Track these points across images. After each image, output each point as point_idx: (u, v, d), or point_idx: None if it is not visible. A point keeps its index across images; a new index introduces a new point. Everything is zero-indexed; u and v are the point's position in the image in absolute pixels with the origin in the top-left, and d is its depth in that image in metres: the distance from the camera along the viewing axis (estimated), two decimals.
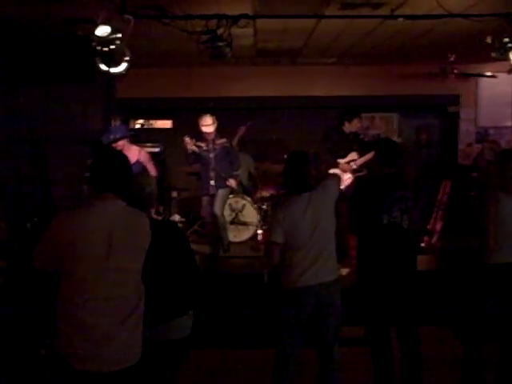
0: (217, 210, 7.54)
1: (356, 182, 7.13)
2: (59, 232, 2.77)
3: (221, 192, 7.55)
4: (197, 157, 7.53)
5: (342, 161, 7.25)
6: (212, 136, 7.44)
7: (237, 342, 5.59)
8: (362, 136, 7.96)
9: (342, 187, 6.93)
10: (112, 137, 6.74)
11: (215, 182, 7.49)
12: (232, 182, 7.61)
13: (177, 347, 3.48)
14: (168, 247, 3.46)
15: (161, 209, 8.26)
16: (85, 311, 2.72)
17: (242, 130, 9.09)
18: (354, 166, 7.30)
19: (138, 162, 6.68)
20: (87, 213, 2.86)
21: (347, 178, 7.18)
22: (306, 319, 4.02)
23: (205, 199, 7.69)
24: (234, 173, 7.66)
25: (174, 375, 3.61)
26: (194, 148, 7.41)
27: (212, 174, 7.47)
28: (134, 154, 6.69)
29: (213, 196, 7.54)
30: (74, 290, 2.75)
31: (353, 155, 7.32)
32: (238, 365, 5.20)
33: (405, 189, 4.33)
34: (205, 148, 7.46)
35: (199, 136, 7.49)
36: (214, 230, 7.69)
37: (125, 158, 3.03)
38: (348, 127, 7.33)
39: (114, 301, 2.77)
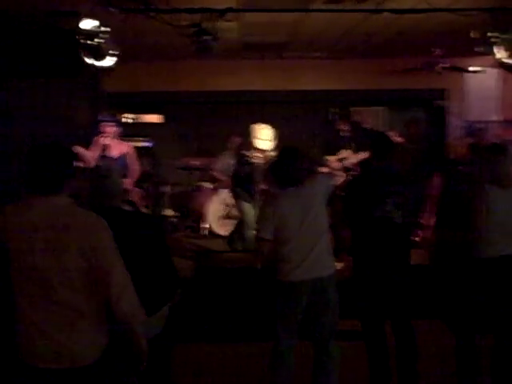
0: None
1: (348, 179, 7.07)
2: None
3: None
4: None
5: (332, 158, 7.19)
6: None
7: (232, 335, 5.59)
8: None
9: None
10: (100, 117, 6.91)
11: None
12: None
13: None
14: (135, 240, 3.27)
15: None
16: (25, 308, 2.71)
17: (237, 141, 8.78)
18: (346, 164, 7.18)
19: (124, 154, 6.75)
20: (16, 213, 2.76)
21: (339, 177, 7.11)
22: (301, 313, 4.03)
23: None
24: None
25: (160, 372, 3.55)
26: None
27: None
28: (120, 147, 6.77)
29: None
30: (14, 287, 2.74)
31: (344, 153, 7.23)
32: (234, 358, 5.19)
33: (399, 183, 4.33)
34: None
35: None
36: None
37: (54, 154, 2.80)
38: (342, 127, 7.27)
39: (45, 302, 2.69)
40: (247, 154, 6.94)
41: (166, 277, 3.46)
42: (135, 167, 6.72)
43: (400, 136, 6.92)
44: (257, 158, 6.87)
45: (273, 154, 6.71)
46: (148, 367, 3.20)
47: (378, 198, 4.23)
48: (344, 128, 7.25)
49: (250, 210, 7.14)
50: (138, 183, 6.72)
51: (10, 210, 2.78)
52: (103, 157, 6.66)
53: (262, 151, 6.84)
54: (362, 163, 6.77)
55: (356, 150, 7.04)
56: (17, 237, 2.69)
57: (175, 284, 3.56)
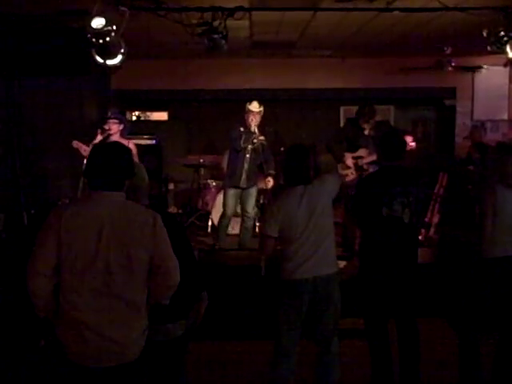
0: (250, 208, 7.32)
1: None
2: (58, 230, 2.74)
3: (252, 191, 7.30)
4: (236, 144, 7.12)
5: (349, 155, 7.12)
6: (257, 124, 6.99)
7: (235, 333, 5.60)
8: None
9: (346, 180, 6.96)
10: (109, 114, 6.98)
11: (247, 177, 7.18)
12: (269, 182, 7.28)
13: (163, 348, 3.38)
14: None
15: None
16: (74, 307, 2.73)
17: None
18: (360, 163, 7.10)
19: None
20: (79, 209, 2.83)
21: (350, 174, 7.06)
22: (304, 311, 4.03)
23: (231, 192, 7.31)
24: (271, 171, 7.31)
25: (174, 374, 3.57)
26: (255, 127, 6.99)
27: (246, 167, 7.13)
28: (125, 143, 6.68)
29: (240, 189, 7.25)
30: (65, 285, 2.75)
31: (361, 152, 7.13)
32: (236, 357, 5.21)
33: (410, 183, 4.30)
34: (251, 137, 7.02)
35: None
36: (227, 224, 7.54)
37: (120, 153, 2.97)
38: (365, 126, 7.12)
39: (102, 298, 2.75)
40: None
41: (194, 275, 3.50)
42: None
43: (413, 141, 6.84)
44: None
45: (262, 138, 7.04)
46: (170, 364, 3.40)
47: (386, 197, 4.21)
48: (367, 126, 7.11)
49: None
50: None
51: (76, 206, 2.89)
52: None
53: (254, 117, 6.96)
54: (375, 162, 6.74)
55: (374, 150, 6.96)
56: (81, 233, 2.75)
57: (202, 283, 3.63)
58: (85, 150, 6.52)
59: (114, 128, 6.69)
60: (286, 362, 4.08)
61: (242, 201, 7.35)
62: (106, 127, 6.65)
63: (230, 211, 7.38)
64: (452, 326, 5.28)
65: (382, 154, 4.45)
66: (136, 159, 6.69)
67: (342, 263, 6.20)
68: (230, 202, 7.31)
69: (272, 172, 7.32)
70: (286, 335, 4.06)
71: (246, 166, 7.14)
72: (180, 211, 9.44)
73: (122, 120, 6.89)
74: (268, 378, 4.16)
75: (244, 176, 7.15)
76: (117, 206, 2.86)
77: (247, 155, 7.11)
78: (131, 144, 6.88)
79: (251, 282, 5.90)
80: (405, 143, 4.55)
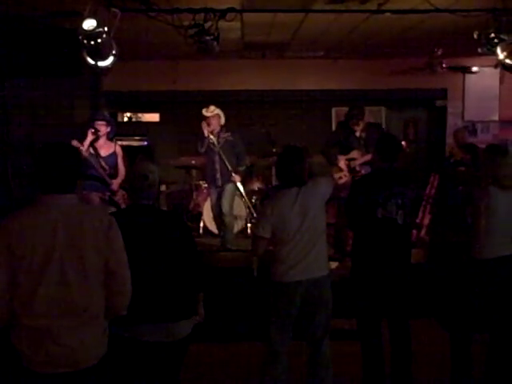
0: (225, 206, 7.46)
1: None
2: (7, 247, 2.65)
3: (228, 188, 7.48)
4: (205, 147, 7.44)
5: (342, 157, 7.12)
6: (216, 126, 7.34)
7: (226, 335, 5.59)
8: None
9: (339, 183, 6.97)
10: (96, 116, 6.97)
11: (221, 175, 7.43)
12: (236, 178, 7.51)
13: (167, 350, 3.36)
14: (170, 240, 3.38)
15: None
16: (28, 313, 2.66)
17: None
18: (353, 165, 7.11)
19: (114, 153, 6.81)
20: (29, 218, 2.75)
21: (344, 176, 7.06)
22: (295, 313, 4.04)
23: (213, 191, 7.67)
24: (240, 168, 7.57)
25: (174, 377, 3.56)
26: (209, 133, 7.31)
27: (218, 167, 7.40)
28: (111, 146, 6.85)
29: (219, 188, 7.49)
30: (20, 292, 2.67)
31: (354, 153, 7.14)
32: (228, 358, 5.22)
33: (403, 184, 4.32)
34: (211, 140, 7.34)
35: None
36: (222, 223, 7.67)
37: (68, 154, 2.86)
38: (355, 127, 7.14)
39: (56, 304, 2.68)
40: None
41: (197, 275, 3.52)
42: (122, 168, 6.73)
43: (406, 144, 6.83)
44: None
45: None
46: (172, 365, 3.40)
47: (381, 198, 4.23)
48: (358, 128, 7.14)
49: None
50: (124, 184, 6.68)
51: (26, 213, 2.79)
52: (92, 155, 6.63)
53: (210, 121, 7.30)
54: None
55: (366, 151, 6.97)
56: (35, 239, 2.67)
57: (201, 285, 3.61)
58: (85, 150, 6.50)
59: (102, 129, 6.69)
60: (278, 363, 4.08)
61: (219, 198, 7.55)
62: (97, 128, 6.64)
63: (216, 210, 7.69)
64: (443, 325, 5.30)
65: (378, 156, 4.46)
66: (121, 161, 6.78)
67: (334, 264, 6.23)
68: (213, 200, 7.69)
69: (240, 169, 7.58)
70: (278, 336, 4.07)
71: (217, 166, 7.42)
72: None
73: (109, 122, 6.90)
74: (260, 379, 4.16)
75: (218, 175, 7.43)
76: (69, 209, 2.76)
77: (216, 157, 7.39)
78: (117, 146, 6.91)
79: (242, 284, 5.90)
80: (400, 145, 4.57)
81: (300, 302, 4.02)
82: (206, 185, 9.04)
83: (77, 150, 2.98)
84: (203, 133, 7.32)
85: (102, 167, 6.61)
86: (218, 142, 7.35)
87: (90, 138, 6.57)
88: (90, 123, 6.75)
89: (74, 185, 2.84)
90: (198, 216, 8.82)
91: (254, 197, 8.50)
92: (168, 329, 3.31)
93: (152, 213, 3.46)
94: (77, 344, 2.70)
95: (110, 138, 6.91)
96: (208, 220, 8.55)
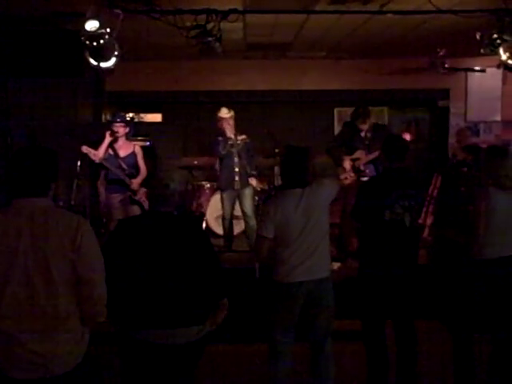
0: (249, 210, 7.36)
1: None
2: None
3: (247, 192, 7.35)
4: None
5: (347, 157, 7.08)
6: (232, 128, 7.20)
7: (229, 336, 5.58)
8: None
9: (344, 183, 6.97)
10: (115, 118, 7.03)
11: (240, 178, 7.24)
12: (253, 181, 7.44)
13: (181, 352, 3.34)
14: (184, 245, 3.37)
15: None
16: None
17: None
18: (357, 165, 7.08)
19: (132, 153, 6.88)
20: (3, 216, 2.73)
21: (349, 177, 7.02)
22: (297, 314, 4.04)
23: (227, 194, 7.38)
24: (253, 172, 7.47)
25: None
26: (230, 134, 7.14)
27: (237, 170, 7.22)
28: (130, 146, 6.93)
29: (236, 192, 7.33)
30: None
31: (358, 153, 7.11)
32: (230, 359, 5.21)
33: (411, 186, 4.30)
34: (231, 142, 7.19)
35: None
36: (230, 225, 7.61)
37: (40, 156, 2.83)
38: (362, 127, 7.10)
39: (25, 309, 2.65)
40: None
41: (216, 281, 3.48)
42: (143, 167, 6.79)
43: (411, 138, 6.74)
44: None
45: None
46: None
47: (388, 200, 4.21)
48: (364, 127, 7.09)
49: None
50: (144, 183, 6.76)
51: None
52: (111, 156, 6.75)
53: (227, 123, 7.14)
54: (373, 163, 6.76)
55: (370, 151, 6.96)
56: (2, 243, 2.65)
57: (222, 290, 3.56)
58: (94, 154, 6.59)
59: (121, 131, 6.79)
60: (281, 363, 4.09)
61: (239, 203, 7.41)
62: (114, 129, 6.69)
63: (227, 213, 7.46)
64: (446, 326, 5.30)
65: (385, 156, 4.44)
66: (141, 161, 6.84)
67: (336, 264, 6.23)
68: (227, 204, 7.39)
69: (254, 172, 7.48)
70: (280, 337, 4.07)
71: (236, 168, 7.23)
72: (175, 213, 9.39)
73: (127, 123, 7.01)
74: (263, 380, 4.16)
75: (237, 178, 7.23)
76: (37, 213, 2.71)
77: (235, 158, 7.22)
78: (137, 147, 7.01)
79: (245, 284, 5.90)
80: (407, 146, 4.54)
81: (302, 302, 4.02)
82: (208, 185, 9.05)
83: (52, 153, 2.85)
84: (224, 134, 7.16)
85: (121, 168, 6.66)
86: (237, 144, 7.21)
87: (107, 140, 6.66)
88: (108, 125, 6.82)
89: (47, 188, 2.78)
90: (201, 217, 8.82)
91: (257, 197, 8.48)
92: (168, 334, 3.28)
93: (168, 219, 3.46)
94: (45, 350, 2.66)
95: (130, 138, 7.02)
96: (211, 221, 8.55)
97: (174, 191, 3.49)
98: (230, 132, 7.14)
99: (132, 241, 3.29)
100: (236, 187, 7.27)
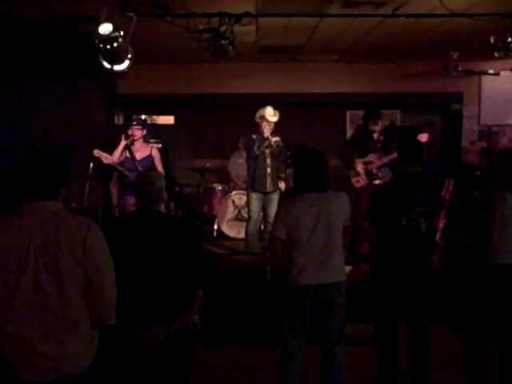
0: (272, 214, 6.96)
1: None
2: None
3: (275, 196, 7.22)
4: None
5: (360, 161, 7.05)
6: (271, 129, 7.04)
7: (241, 339, 5.59)
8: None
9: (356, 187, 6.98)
10: (131, 121, 7.12)
11: (272, 181, 7.12)
12: (283, 185, 7.37)
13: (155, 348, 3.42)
14: (172, 244, 3.44)
15: (172, 205, 8.21)
16: (8, 321, 2.65)
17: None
18: (370, 169, 7.03)
19: (149, 156, 6.92)
20: (5, 227, 2.72)
21: (361, 180, 7.01)
22: (307, 317, 4.03)
23: (255, 196, 7.22)
24: (282, 175, 7.39)
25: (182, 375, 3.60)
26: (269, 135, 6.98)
27: (270, 171, 7.09)
28: (147, 148, 6.97)
29: (265, 194, 7.21)
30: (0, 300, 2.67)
31: (371, 157, 7.04)
32: (243, 362, 5.19)
33: (427, 190, 4.25)
34: (267, 143, 7.02)
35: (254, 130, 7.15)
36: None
37: (50, 159, 2.83)
38: (373, 128, 7.03)
39: (36, 313, 2.66)
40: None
41: (196, 273, 3.54)
42: (160, 169, 6.84)
43: (428, 137, 6.62)
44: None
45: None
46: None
47: (405, 206, 4.17)
48: (376, 128, 7.02)
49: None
50: None
51: (2, 220, 2.75)
52: (127, 158, 6.80)
53: (270, 125, 6.99)
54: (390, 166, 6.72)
55: (385, 154, 6.90)
56: (10, 246, 2.65)
57: (200, 281, 3.63)
58: (106, 157, 6.65)
59: (138, 134, 6.84)
60: (293, 366, 4.08)
61: (264, 206, 7.29)
62: (130, 133, 6.74)
63: (255, 215, 7.33)
64: (457, 331, 5.27)
65: (401, 159, 4.39)
66: (158, 163, 6.88)
67: (348, 268, 6.20)
68: (255, 205, 7.26)
69: (282, 175, 7.38)
70: (292, 341, 4.07)
71: (268, 170, 7.11)
72: (185, 215, 9.44)
73: (144, 126, 7.05)
74: (275, 383, 4.16)
75: (269, 180, 7.12)
76: (47, 216, 2.71)
77: (268, 159, 7.09)
78: (154, 149, 7.03)
79: (256, 287, 5.90)
80: (423, 147, 4.48)
81: (312, 306, 4.01)
82: (220, 188, 9.06)
83: (62, 157, 2.85)
84: (262, 133, 7.00)
85: (136, 170, 6.71)
86: (271, 146, 7.07)
87: (122, 143, 6.72)
88: (122, 128, 6.86)
89: (56, 192, 2.79)
90: (212, 219, 8.84)
91: None
92: (148, 330, 3.37)
93: (153, 217, 3.52)
94: (56, 353, 2.67)
95: (147, 140, 7.07)
96: (222, 223, 8.57)
97: (159, 188, 3.53)
98: (267, 132, 7.00)
99: (116, 238, 3.29)
100: (268, 190, 7.16)
